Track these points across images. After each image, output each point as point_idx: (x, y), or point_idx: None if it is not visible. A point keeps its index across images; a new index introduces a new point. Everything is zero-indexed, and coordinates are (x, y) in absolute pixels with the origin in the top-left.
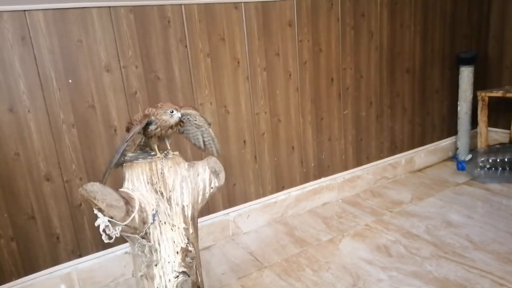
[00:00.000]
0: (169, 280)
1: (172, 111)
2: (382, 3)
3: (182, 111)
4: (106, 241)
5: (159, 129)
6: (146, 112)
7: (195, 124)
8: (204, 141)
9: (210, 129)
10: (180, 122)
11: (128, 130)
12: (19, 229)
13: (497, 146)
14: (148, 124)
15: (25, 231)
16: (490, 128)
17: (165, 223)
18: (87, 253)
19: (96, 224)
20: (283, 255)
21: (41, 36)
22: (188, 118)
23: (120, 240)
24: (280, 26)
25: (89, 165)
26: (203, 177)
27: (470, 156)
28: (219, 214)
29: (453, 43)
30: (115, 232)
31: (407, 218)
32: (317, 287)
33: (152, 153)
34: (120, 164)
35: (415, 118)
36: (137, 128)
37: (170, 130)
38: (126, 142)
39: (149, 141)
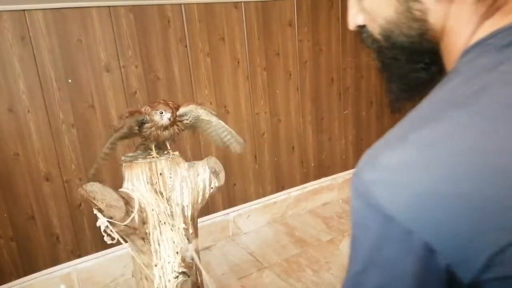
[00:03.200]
0: (169, 280)
1: (162, 112)
2: None
3: (182, 109)
4: (108, 242)
5: (154, 129)
6: (142, 110)
7: (204, 120)
8: (222, 138)
9: (221, 122)
10: (177, 122)
11: (121, 117)
12: (18, 229)
13: None
14: (144, 122)
15: (25, 231)
16: None
17: (165, 223)
18: (87, 253)
19: (97, 225)
20: (283, 255)
21: (41, 36)
22: (194, 115)
23: (121, 239)
24: (280, 25)
25: (89, 165)
26: (203, 177)
27: None
28: (219, 214)
29: None
30: (117, 236)
31: None
32: None
33: (152, 153)
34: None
35: None
36: (127, 122)
37: (166, 131)
38: (112, 138)
39: (147, 141)
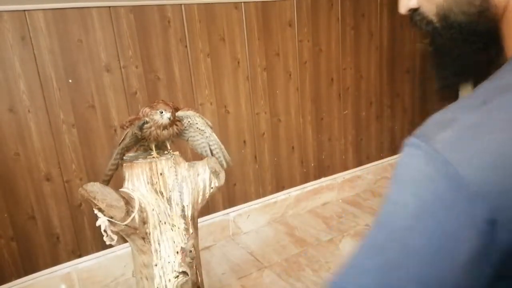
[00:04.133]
0: (169, 280)
1: (162, 112)
2: (382, 3)
3: (181, 113)
4: (108, 242)
5: (153, 129)
6: (140, 114)
7: (198, 129)
8: (211, 151)
9: (214, 135)
10: (176, 122)
11: (122, 128)
12: (19, 229)
13: None
14: (144, 123)
15: (25, 231)
16: None
17: (165, 223)
18: (87, 253)
19: (97, 224)
20: (283, 255)
21: (41, 36)
22: (189, 122)
23: (120, 240)
24: (280, 26)
25: (89, 165)
26: (203, 177)
27: None
28: (219, 214)
29: None
30: (115, 238)
31: None
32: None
33: (152, 153)
34: (118, 166)
35: (415, 118)
36: (129, 132)
37: (165, 130)
38: (117, 149)
39: (147, 141)
